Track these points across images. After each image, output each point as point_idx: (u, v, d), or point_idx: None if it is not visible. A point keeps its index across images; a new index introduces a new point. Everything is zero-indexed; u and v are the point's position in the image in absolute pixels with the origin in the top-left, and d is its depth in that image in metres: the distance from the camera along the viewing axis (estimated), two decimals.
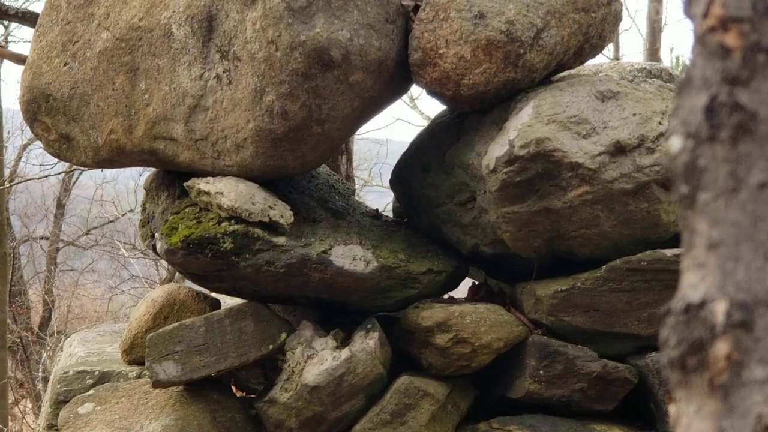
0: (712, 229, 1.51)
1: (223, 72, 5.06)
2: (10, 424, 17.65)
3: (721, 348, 1.48)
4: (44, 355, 21.24)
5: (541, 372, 5.06)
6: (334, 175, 6.30)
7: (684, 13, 1.53)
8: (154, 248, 5.39)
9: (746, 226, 1.44)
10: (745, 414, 1.43)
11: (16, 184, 21.80)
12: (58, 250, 26.85)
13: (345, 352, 4.96)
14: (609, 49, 16.50)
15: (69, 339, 6.29)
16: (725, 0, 1.45)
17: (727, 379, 1.46)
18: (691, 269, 1.51)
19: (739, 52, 1.49)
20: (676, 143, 1.48)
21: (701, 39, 1.49)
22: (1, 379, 17.56)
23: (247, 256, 4.98)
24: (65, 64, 5.34)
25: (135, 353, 5.49)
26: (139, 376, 5.46)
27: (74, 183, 25.86)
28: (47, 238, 27.08)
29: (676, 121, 1.52)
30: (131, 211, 23.58)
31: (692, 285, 1.51)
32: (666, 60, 18.91)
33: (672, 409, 1.52)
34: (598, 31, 5.33)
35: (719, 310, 1.49)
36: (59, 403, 5.53)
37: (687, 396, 1.51)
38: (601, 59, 5.68)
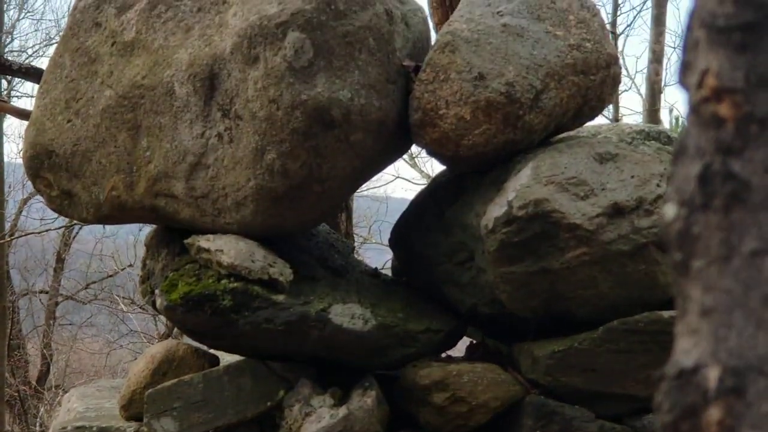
0: (705, 295, 1.52)
1: (225, 130, 5.07)
2: None
3: (714, 413, 1.49)
4: (42, 409, 21.21)
5: (538, 429, 5.04)
6: (333, 233, 6.31)
7: (678, 82, 1.55)
8: (153, 304, 5.39)
9: (738, 293, 1.46)
10: None
11: (17, 237, 21.86)
12: (57, 304, 26.81)
13: (342, 410, 4.96)
14: (609, 110, 16.51)
15: (67, 394, 6.29)
16: (719, 71, 1.46)
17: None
18: (684, 335, 1.52)
19: (732, 123, 1.50)
20: (670, 211, 1.50)
21: (695, 108, 1.51)
22: None
23: (246, 313, 4.96)
24: (68, 121, 5.35)
25: (133, 409, 5.48)
26: None
27: (74, 237, 25.87)
28: (46, 292, 27.04)
29: (671, 189, 1.54)
30: (130, 265, 23.48)
31: (685, 350, 1.52)
32: (665, 120, 18.95)
33: None
34: (597, 94, 5.34)
35: (712, 376, 1.50)
36: None
37: None
38: (600, 120, 5.68)
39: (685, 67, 1.54)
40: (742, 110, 1.55)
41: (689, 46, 1.51)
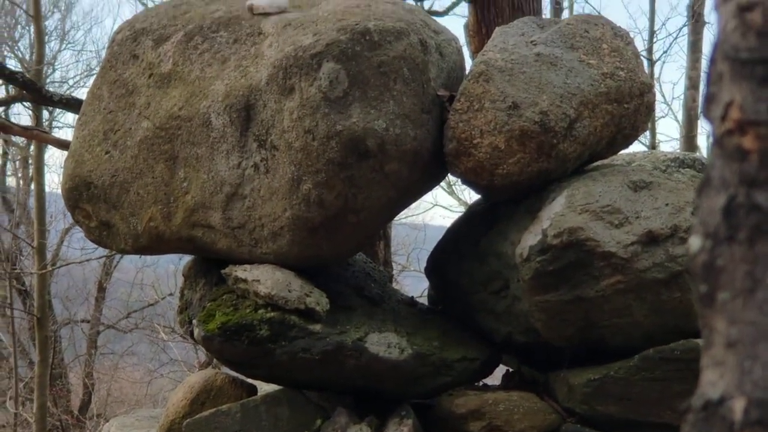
0: (731, 327, 1.51)
1: (261, 161, 5.07)
2: None
3: None
4: None
5: None
6: (370, 262, 6.30)
7: (703, 115, 1.55)
8: (191, 334, 5.40)
9: (764, 325, 1.45)
10: None
11: (58, 267, 21.87)
12: (98, 333, 26.89)
13: None
14: (645, 136, 16.47)
15: (107, 424, 6.29)
16: (742, 104, 1.46)
17: None
18: (710, 367, 1.52)
19: (756, 155, 1.50)
20: (695, 243, 1.49)
21: (719, 141, 1.50)
22: None
23: (283, 343, 4.96)
24: (106, 153, 5.36)
25: (188, 425, 5.49)
26: None
27: (115, 267, 25.95)
28: (88, 321, 27.13)
29: (696, 221, 1.54)
30: (171, 294, 23.52)
31: (711, 382, 1.52)
32: (703, 146, 18.89)
33: None
34: (631, 122, 5.33)
35: (737, 407, 1.50)
36: None
37: None
38: (637, 146, 5.67)
39: (709, 100, 1.53)
40: (766, 142, 1.54)
41: (713, 79, 1.50)
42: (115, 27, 5.66)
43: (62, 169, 5.80)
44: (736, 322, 1.50)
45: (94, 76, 5.67)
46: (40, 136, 16.27)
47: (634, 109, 5.32)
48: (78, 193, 5.47)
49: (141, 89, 5.37)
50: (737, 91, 1.46)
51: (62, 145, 14.09)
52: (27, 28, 23.96)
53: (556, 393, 5.18)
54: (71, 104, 13.88)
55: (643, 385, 4.99)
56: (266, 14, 5.34)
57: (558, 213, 4.98)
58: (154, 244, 5.33)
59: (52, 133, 16.92)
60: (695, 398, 1.51)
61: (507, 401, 5.10)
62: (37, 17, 17.63)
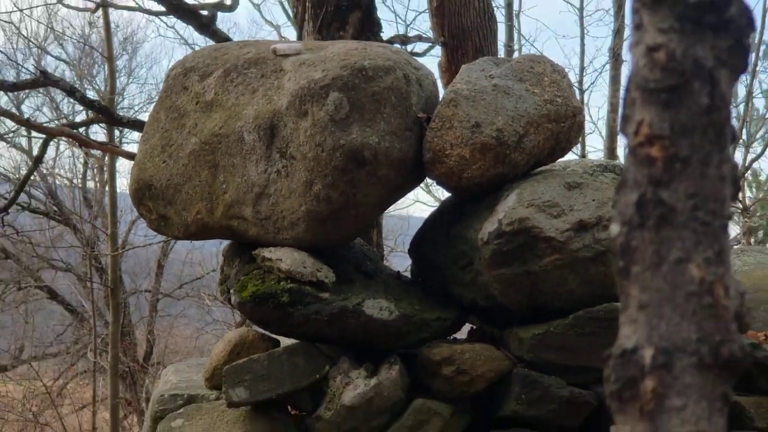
0: (642, 294, 1.53)
1: (282, 168, 5.12)
2: None
3: (648, 384, 1.50)
4: (147, 381, 21.32)
5: (523, 396, 5.07)
6: (366, 245, 6.31)
7: (620, 131, 1.57)
8: (229, 300, 5.44)
9: (667, 292, 1.47)
10: None
11: (126, 250, 22.01)
12: (158, 300, 27.08)
13: (374, 380, 5.00)
14: (577, 148, 16.50)
15: (165, 369, 6.35)
16: (651, 123, 1.48)
17: (653, 407, 1.48)
18: (626, 324, 1.54)
19: (661, 162, 1.51)
20: (615, 229, 1.52)
21: (633, 151, 1.53)
22: (114, 399, 17.69)
23: (300, 307, 5.02)
24: (163, 162, 5.42)
25: (215, 381, 5.51)
26: (217, 399, 5.50)
27: (170, 249, 26.03)
28: (149, 291, 27.21)
29: (615, 212, 1.56)
30: (213, 270, 23.79)
31: (627, 336, 1.53)
32: (621, 156, 18.86)
33: (614, 429, 1.55)
34: (566, 137, 5.41)
35: (647, 355, 1.52)
36: (157, 419, 5.57)
37: (624, 420, 1.53)
38: (570, 156, 5.70)
39: (625, 120, 1.56)
40: (669, 152, 1.57)
41: (628, 103, 1.53)
42: (170, 66, 5.67)
43: (129, 175, 5.82)
44: (646, 289, 1.52)
45: (154, 104, 5.72)
46: (112, 150, 16.33)
47: (568, 127, 5.39)
48: (142, 193, 5.53)
49: (190, 113, 5.43)
50: (646, 113, 1.49)
51: (129, 156, 14.08)
52: (102, 66, 23.89)
53: (509, 345, 5.24)
54: (136, 125, 13.86)
55: (575, 339, 5.04)
56: (286, 56, 5.41)
57: (510, 207, 5.03)
58: (200, 232, 5.41)
59: (122, 147, 16.92)
60: (614, 348, 1.53)
61: (471, 351, 5.16)
62: (110, 58, 17.67)
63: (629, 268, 1.49)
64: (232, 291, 5.22)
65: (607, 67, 18.09)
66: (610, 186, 5.24)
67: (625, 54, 18.50)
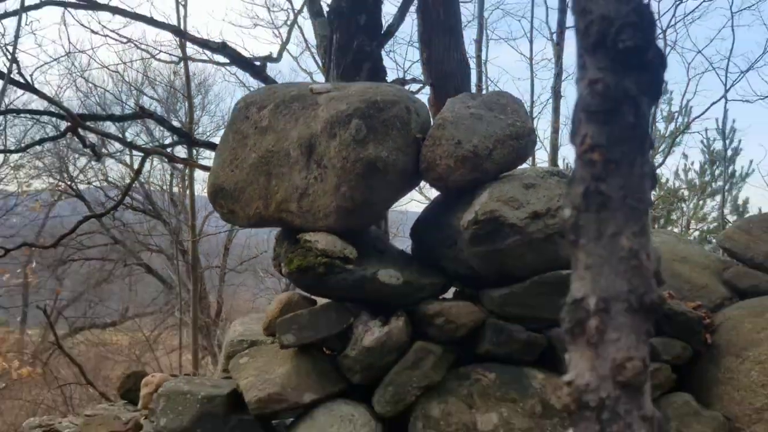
0: (587, 258, 1.53)
1: (318, 175, 5.08)
2: (200, 371, 17.85)
3: (593, 323, 1.50)
4: (218, 332, 21.38)
5: (494, 339, 5.03)
6: (378, 230, 6.31)
7: (570, 140, 1.57)
8: (280, 271, 5.41)
9: (605, 257, 1.47)
10: (606, 359, 1.46)
11: (202, 237, 22.10)
12: (224, 273, 27.04)
13: (386, 329, 4.99)
14: (531, 160, 16.47)
15: (233, 323, 6.38)
16: (592, 135, 1.49)
17: (596, 340, 1.48)
18: (576, 280, 1.54)
19: (600, 163, 1.51)
20: (567, 212, 1.52)
21: (579, 156, 1.54)
22: (194, 345, 17.74)
23: (331, 275, 4.97)
24: (231, 171, 5.39)
25: (270, 330, 5.54)
26: (272, 342, 5.51)
27: (234, 235, 26.17)
28: (219, 267, 27.24)
29: (567, 200, 1.56)
30: (265, 251, 24.04)
31: (577, 289, 1.53)
32: (561, 165, 18.87)
33: (568, 357, 1.55)
34: (524, 151, 5.38)
35: (591, 302, 1.51)
36: (229, 357, 5.59)
37: (575, 350, 1.53)
38: (526, 165, 5.67)
39: (573, 134, 1.56)
40: (605, 157, 1.56)
41: (575, 122, 1.53)
42: (236, 101, 5.66)
43: (206, 181, 5.80)
44: (590, 255, 1.52)
45: (224, 129, 5.71)
46: (191, 164, 16.29)
47: (525, 143, 5.35)
48: (216, 194, 5.49)
49: (250, 135, 5.40)
50: (589, 128, 1.49)
51: (203, 168, 14.09)
52: (183, 103, 23.84)
53: (483, 302, 5.19)
54: (208, 145, 13.87)
55: (531, 297, 5.00)
56: (320, 93, 5.39)
57: (483, 202, 4.98)
58: (258, 223, 5.36)
59: (198, 162, 16.92)
60: (568, 297, 1.54)
61: (456, 307, 5.16)
62: (189, 97, 17.64)
63: (578, 240, 1.50)
64: (282, 264, 5.18)
65: (550, 101, 18.11)
66: (554, 186, 5.19)
67: (565, 89, 18.45)
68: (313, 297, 5.46)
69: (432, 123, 5.32)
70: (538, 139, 5.43)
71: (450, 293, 5.74)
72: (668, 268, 5.85)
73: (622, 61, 1.53)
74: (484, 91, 17.83)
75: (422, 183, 5.57)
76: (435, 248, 5.33)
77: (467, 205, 5.13)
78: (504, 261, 5.05)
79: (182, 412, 4.99)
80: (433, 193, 5.61)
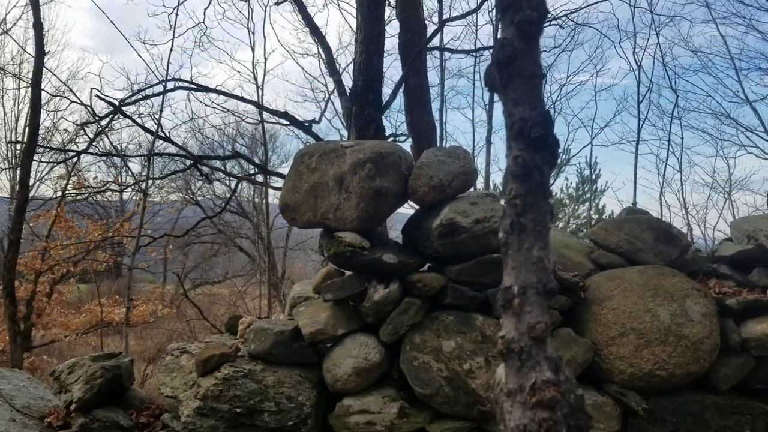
0: (513, 262, 1.53)
1: (345, 197, 4.97)
2: (273, 314, 17.61)
3: (516, 301, 1.50)
4: (282, 287, 21.04)
5: (452, 296, 4.90)
6: (381, 228, 6.29)
7: (502, 190, 1.58)
8: (323, 254, 5.32)
9: (523, 262, 1.48)
10: (524, 323, 1.46)
11: (273, 229, 21.78)
12: (286, 252, 26.77)
13: (387, 290, 4.89)
14: (474, 188, 16.33)
15: (294, 286, 6.26)
16: (516, 189, 1.50)
17: (518, 311, 1.49)
18: (506, 275, 1.54)
19: (520, 205, 1.52)
20: (501, 234, 1.53)
21: (508, 201, 1.56)
22: (269, 296, 17.43)
23: (354, 258, 4.86)
24: (293, 195, 5.26)
25: (316, 290, 5.42)
26: (318, 298, 5.39)
27: (290, 230, 25.90)
28: (283, 247, 26.99)
29: (501, 227, 1.56)
30: (311, 237, 23.83)
31: (506, 281, 1.53)
32: (491, 187, 18.71)
33: (501, 320, 1.55)
34: (470, 182, 5.22)
35: (515, 289, 1.52)
36: (292, 307, 5.49)
37: (505, 317, 1.53)
38: (471, 190, 5.60)
39: (504, 188, 1.56)
40: (523, 201, 1.55)
41: (505, 180, 1.54)
42: (297, 151, 5.59)
43: (276, 197, 5.74)
44: (514, 260, 1.52)
45: (288, 170, 5.58)
46: (266, 185, 16.04)
47: (470, 177, 5.20)
48: (284, 208, 5.36)
49: (304, 173, 5.24)
50: (514, 185, 1.49)
51: (275, 188, 13.96)
52: (260, 147, 23.70)
53: (446, 273, 5.03)
54: (277, 174, 13.73)
55: (476, 270, 4.90)
56: (346, 147, 5.28)
57: (445, 213, 4.88)
58: (309, 225, 5.18)
59: (271, 183, 16.82)
60: (501, 286, 1.55)
61: (429, 276, 5.01)
62: (265, 144, 17.45)
63: (507, 251, 1.50)
64: (324, 251, 5.10)
65: (484, 147, 18.00)
66: (489, 203, 5.02)
67: (492, 139, 18.31)
68: (343, 270, 5.32)
69: (414, 165, 5.24)
70: (478, 173, 5.41)
71: (426, 269, 5.69)
72: (556, 251, 5.76)
73: (533, 145, 1.54)
74: (445, 142, 17.76)
75: (409, 201, 5.46)
76: (417, 240, 5.20)
77: (436, 216, 4.99)
78: (458, 248, 4.93)
79: (264, 340, 4.96)
80: (415, 207, 5.51)
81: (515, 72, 1.60)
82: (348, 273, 5.24)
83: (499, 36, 1.67)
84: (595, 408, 4.80)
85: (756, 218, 6.35)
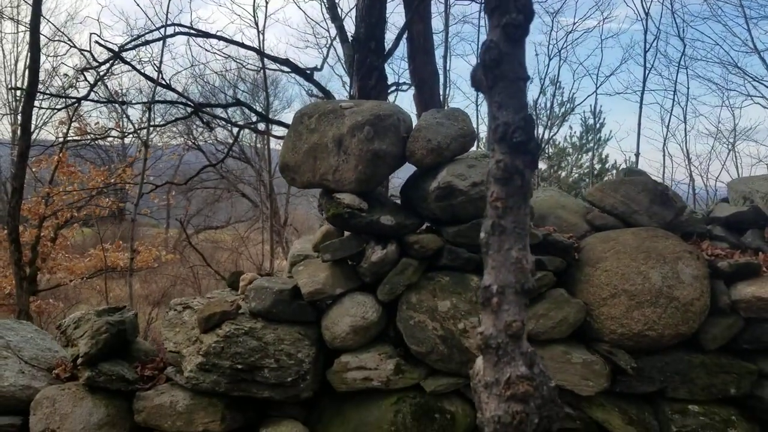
0: (493, 262, 1.60)
1: (344, 158, 5.01)
2: (275, 264, 17.83)
3: (494, 300, 1.58)
4: (285, 233, 21.22)
5: (448, 257, 5.02)
6: (381, 190, 6.33)
7: (486, 193, 1.63)
8: (322, 214, 5.37)
9: (503, 262, 1.55)
10: (501, 320, 1.55)
11: (275, 178, 21.88)
12: (287, 199, 26.97)
13: (385, 251, 4.96)
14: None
15: (294, 242, 6.35)
16: (497, 191, 1.56)
17: (496, 309, 1.57)
18: (486, 274, 1.62)
19: (501, 208, 1.58)
20: (482, 235, 1.60)
21: (489, 203, 1.62)
22: (271, 241, 17.62)
23: (352, 219, 4.93)
24: (293, 155, 5.26)
25: (316, 249, 5.50)
26: (317, 257, 5.47)
27: (291, 192, 26.15)
28: (285, 193, 27.15)
29: (483, 228, 1.62)
30: (315, 196, 24.15)
31: (486, 280, 1.61)
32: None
33: (479, 317, 1.62)
34: (469, 144, 5.24)
35: (494, 288, 1.59)
36: (292, 266, 5.58)
37: (484, 314, 1.61)
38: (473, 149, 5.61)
39: (487, 190, 1.61)
40: (504, 204, 1.61)
41: (487, 183, 1.59)
42: (296, 112, 5.60)
43: (278, 143, 5.77)
44: (495, 260, 1.59)
45: (288, 129, 5.57)
46: (267, 133, 16.05)
47: (469, 140, 5.23)
48: (284, 168, 5.38)
49: (303, 134, 5.23)
50: (495, 187, 1.56)
51: (275, 137, 13.97)
52: (262, 93, 23.60)
53: (442, 235, 5.10)
54: (278, 122, 13.72)
55: (472, 232, 4.94)
56: (346, 108, 5.28)
57: (443, 175, 4.94)
58: (308, 186, 5.23)
59: (272, 132, 16.79)
60: (481, 285, 1.62)
61: (426, 237, 5.06)
62: (266, 89, 17.33)
63: (488, 251, 1.57)
64: (323, 211, 5.17)
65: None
66: (486, 165, 4.94)
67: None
68: (342, 230, 5.40)
69: (413, 127, 5.25)
70: (477, 134, 5.44)
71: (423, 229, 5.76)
72: (553, 213, 5.82)
73: (515, 149, 1.60)
74: (449, 90, 17.61)
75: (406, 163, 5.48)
76: (415, 201, 5.23)
77: (433, 178, 5.03)
78: (455, 211, 4.99)
79: (264, 299, 5.08)
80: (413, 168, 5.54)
81: (500, 75, 1.64)
82: (347, 233, 5.29)
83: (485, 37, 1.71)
84: (584, 366, 4.96)
85: (753, 179, 6.40)
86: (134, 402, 5.08)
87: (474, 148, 5.71)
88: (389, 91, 12.27)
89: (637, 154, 19.01)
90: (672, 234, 5.36)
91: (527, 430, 1.47)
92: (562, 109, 22.77)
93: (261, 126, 18.85)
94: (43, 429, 4.95)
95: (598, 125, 23.04)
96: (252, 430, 5.13)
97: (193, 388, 4.94)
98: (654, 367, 5.09)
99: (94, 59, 14.17)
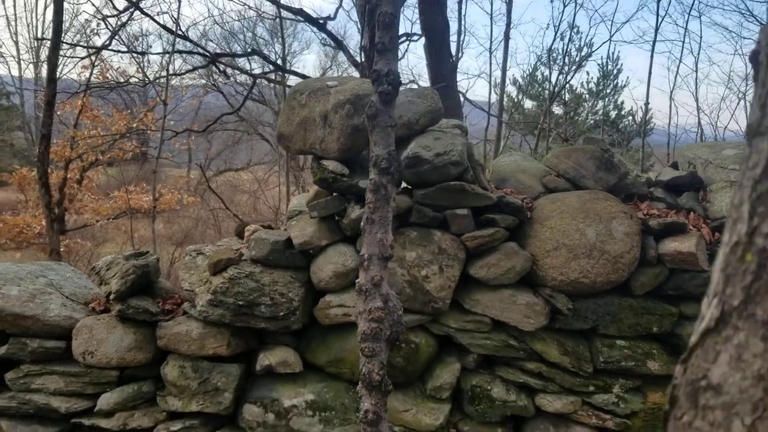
0: (366, 242, 2.58)
1: (329, 131, 5.86)
2: (289, 199, 18.67)
3: (365, 263, 2.58)
4: (302, 175, 21.96)
5: (416, 215, 5.84)
6: (365, 155, 7.20)
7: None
8: (314, 177, 6.09)
9: (371, 240, 2.57)
10: (369, 275, 2.59)
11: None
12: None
13: (362, 209, 5.81)
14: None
15: (293, 198, 7.13)
16: (371, 196, 2.51)
17: (367, 269, 2.59)
18: (362, 248, 2.59)
19: (372, 206, 2.58)
20: (362, 224, 2.59)
21: (368, 205, 2.52)
22: (287, 182, 18.36)
23: (335, 183, 5.75)
24: (287, 126, 5.92)
25: (309, 205, 6.27)
26: (308, 213, 6.21)
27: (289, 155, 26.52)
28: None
29: (362, 219, 2.62)
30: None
31: (362, 251, 2.58)
32: (509, 81, 19.11)
33: (359, 274, 2.62)
34: (436, 119, 5.99)
35: (365, 256, 2.58)
36: (289, 219, 6.44)
37: (361, 272, 2.60)
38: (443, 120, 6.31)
39: (366, 196, 2.60)
40: (375, 205, 2.58)
41: (366, 191, 2.55)
42: (290, 89, 6.41)
43: (276, 128, 6.57)
44: (367, 240, 2.56)
45: (283, 104, 6.26)
46: (279, 82, 16.83)
47: (437, 115, 5.93)
48: (280, 136, 6.04)
49: (296, 108, 5.91)
50: (368, 196, 2.54)
51: (285, 85, 14.75)
52: (278, 39, 24.08)
53: (412, 197, 5.78)
54: (293, 72, 14.52)
55: (436, 195, 5.76)
56: (331, 87, 6.02)
57: (411, 148, 5.75)
58: (300, 152, 6.01)
59: (287, 81, 17.57)
60: (360, 256, 2.58)
61: (398, 200, 5.68)
62: (282, 38, 18.03)
63: (364, 233, 2.54)
64: (312, 175, 5.94)
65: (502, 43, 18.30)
66: (450, 138, 5.80)
67: (511, 35, 18.48)
68: (329, 191, 6.10)
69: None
70: (443, 110, 5.93)
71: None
72: (513, 176, 6.67)
73: (382, 172, 2.60)
74: (463, 36, 18.22)
75: None
76: None
77: (404, 149, 5.78)
78: (422, 177, 5.73)
79: (262, 248, 6.09)
80: None
81: (376, 124, 2.71)
82: (335, 194, 6.20)
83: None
84: (527, 306, 6.03)
85: (698, 146, 7.32)
86: (157, 330, 6.27)
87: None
88: (400, 41, 12.97)
89: (647, 104, 19.65)
90: (612, 196, 6.34)
91: (381, 338, 2.58)
92: (579, 55, 23.25)
93: (272, 76, 19.71)
94: (83, 351, 6.21)
95: (615, 71, 23.54)
96: (253, 354, 6.36)
97: (204, 319, 6.13)
98: (588, 308, 6.15)
99: (114, 7, 15.19)
